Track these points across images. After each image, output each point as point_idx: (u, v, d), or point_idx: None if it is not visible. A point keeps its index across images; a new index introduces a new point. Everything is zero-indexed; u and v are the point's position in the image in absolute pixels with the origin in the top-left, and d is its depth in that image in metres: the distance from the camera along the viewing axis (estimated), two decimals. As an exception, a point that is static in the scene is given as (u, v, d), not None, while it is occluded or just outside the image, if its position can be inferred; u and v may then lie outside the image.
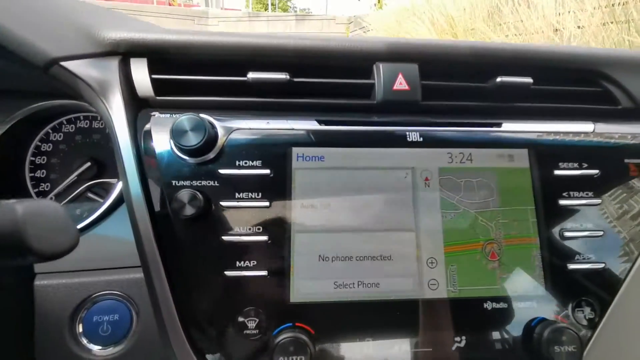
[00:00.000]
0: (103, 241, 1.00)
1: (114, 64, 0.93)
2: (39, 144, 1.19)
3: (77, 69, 0.90)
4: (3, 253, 0.53)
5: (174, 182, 0.88)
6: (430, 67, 1.01)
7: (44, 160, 1.19)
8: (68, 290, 0.95)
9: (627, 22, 5.64)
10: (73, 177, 1.16)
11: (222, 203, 0.88)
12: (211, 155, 0.89)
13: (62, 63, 0.88)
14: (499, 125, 1.00)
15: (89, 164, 1.16)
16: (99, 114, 0.94)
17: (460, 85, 1.03)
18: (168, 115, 0.93)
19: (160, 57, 0.96)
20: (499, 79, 1.00)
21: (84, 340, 0.94)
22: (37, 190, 1.18)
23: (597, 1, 6.10)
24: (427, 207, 0.93)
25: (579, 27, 6.27)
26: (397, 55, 1.00)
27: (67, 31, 0.92)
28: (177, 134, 0.85)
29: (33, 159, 1.18)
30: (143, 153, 0.90)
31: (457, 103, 1.03)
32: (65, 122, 1.19)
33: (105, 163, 1.19)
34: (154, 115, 0.93)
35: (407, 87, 0.98)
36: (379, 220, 0.91)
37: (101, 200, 1.14)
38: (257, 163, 0.90)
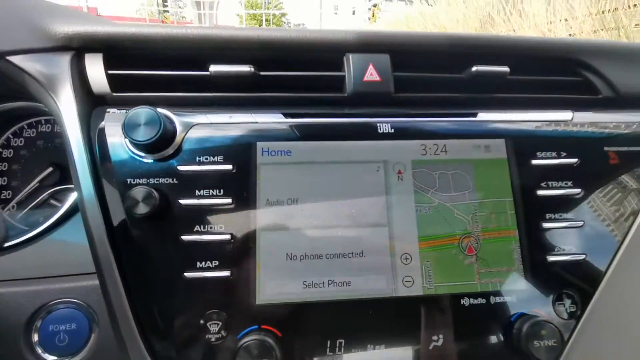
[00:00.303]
0: (60, 247, 0.95)
1: (65, 59, 0.89)
2: None
3: (23, 63, 0.86)
4: None
5: (129, 180, 0.83)
6: (402, 58, 0.98)
7: (5, 166, 1.14)
8: (22, 299, 0.90)
9: (617, 28, 5.69)
10: (34, 183, 1.11)
11: (182, 201, 0.83)
12: (169, 151, 0.85)
13: (8, 57, 0.84)
14: (474, 115, 0.96)
15: (50, 169, 1.11)
16: (50, 111, 0.90)
17: (434, 77, 0.99)
18: (124, 111, 0.89)
19: (117, 52, 0.92)
20: (474, 69, 0.97)
21: (39, 350, 0.89)
22: (-3, 198, 1.13)
23: (587, 9, 6.15)
24: (401, 201, 0.89)
25: (570, 34, 6.33)
26: (368, 45, 0.97)
27: (16, 25, 0.88)
28: (129, 128, 0.80)
29: None
30: (96, 151, 0.86)
31: (432, 95, 0.99)
32: (26, 127, 1.15)
33: (68, 168, 1.14)
34: (109, 111, 0.88)
35: (378, 78, 0.95)
36: (349, 216, 0.87)
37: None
38: (219, 159, 0.86)
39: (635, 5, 5.48)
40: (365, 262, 0.85)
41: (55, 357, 0.89)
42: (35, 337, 0.89)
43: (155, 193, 0.80)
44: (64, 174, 1.13)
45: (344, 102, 0.96)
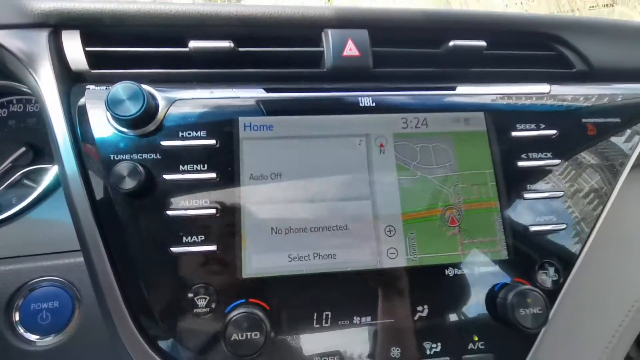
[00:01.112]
0: (38, 226, 0.94)
1: (43, 35, 0.88)
2: None
3: (2, 39, 0.84)
4: None
5: (112, 156, 0.82)
6: (381, 33, 0.98)
7: None
8: (1, 278, 0.88)
9: (572, 11, 5.75)
10: (7, 163, 1.09)
11: (166, 176, 0.83)
12: (152, 127, 0.84)
13: None
14: (454, 89, 0.97)
15: (23, 149, 1.09)
16: (30, 89, 0.88)
17: (412, 52, 1.00)
18: (104, 87, 0.87)
19: (94, 28, 0.90)
20: (451, 43, 0.98)
21: (21, 330, 0.87)
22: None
23: (543, -9, 6.20)
24: (383, 174, 0.89)
25: (526, 17, 6.35)
26: (346, 21, 0.97)
27: None
28: (113, 103, 0.79)
29: None
30: (77, 128, 0.84)
31: (410, 70, 1.00)
32: None
33: (42, 148, 1.12)
34: (89, 88, 0.87)
35: (357, 53, 0.95)
36: (333, 189, 0.87)
37: (35, 186, 1.08)
38: (202, 134, 0.85)
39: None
40: (349, 234, 0.86)
41: (38, 336, 0.88)
42: (17, 317, 0.88)
43: (141, 168, 0.79)
44: (37, 154, 1.11)
45: (323, 77, 0.96)
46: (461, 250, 0.88)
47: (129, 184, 0.78)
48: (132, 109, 0.79)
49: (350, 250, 0.85)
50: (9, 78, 0.96)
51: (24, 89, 1.05)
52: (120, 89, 0.80)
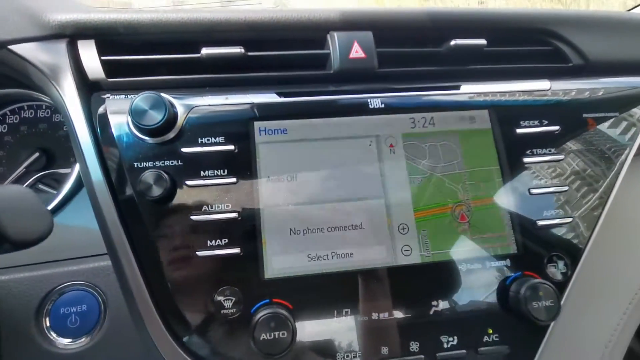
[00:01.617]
0: (62, 231, 0.96)
1: (62, 47, 0.90)
2: None
3: (27, 53, 0.86)
4: None
5: (136, 164, 0.85)
6: (384, 34, 1.01)
7: None
8: (31, 284, 0.91)
9: (559, 2, 5.79)
10: (21, 169, 1.11)
11: (188, 182, 0.85)
12: (172, 134, 0.86)
13: (11, 47, 0.84)
14: (458, 87, 1.00)
15: (37, 154, 1.11)
16: (51, 99, 0.90)
17: (415, 51, 1.03)
18: (123, 96, 0.89)
19: (109, 38, 0.92)
20: (453, 42, 1.01)
21: (53, 334, 0.90)
22: (-17, 185, 1.12)
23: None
24: (394, 173, 0.92)
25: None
26: (351, 23, 0.99)
27: (10, 14, 0.88)
28: (136, 113, 0.82)
29: None
30: (100, 137, 0.87)
31: (414, 69, 1.02)
32: (8, 113, 1.14)
33: (54, 153, 1.14)
34: (108, 97, 0.89)
35: (363, 55, 0.98)
36: (347, 190, 0.90)
37: (53, 192, 1.11)
38: (220, 139, 0.88)
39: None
40: (365, 233, 0.89)
41: (69, 339, 0.90)
42: (47, 322, 0.90)
43: (166, 175, 0.82)
44: (50, 158, 1.13)
45: (330, 78, 0.99)
46: (472, 245, 0.91)
47: (156, 191, 0.81)
48: (155, 118, 0.82)
49: (367, 248, 0.88)
50: (29, 88, 0.98)
51: (36, 95, 1.07)
52: (143, 99, 0.83)
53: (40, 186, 1.12)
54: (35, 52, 0.87)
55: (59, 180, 1.12)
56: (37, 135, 1.15)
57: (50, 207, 0.99)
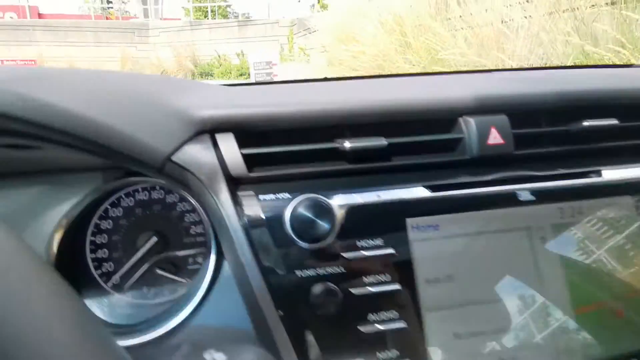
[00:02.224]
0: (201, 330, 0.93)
1: (208, 146, 0.86)
2: (98, 221, 1.10)
3: (185, 161, 0.83)
4: None
5: (297, 272, 0.81)
6: (517, 116, 0.98)
7: (105, 239, 1.10)
8: None
9: (573, 9, 5.81)
10: (140, 254, 1.08)
11: (352, 290, 0.82)
12: (330, 239, 0.83)
13: (173, 158, 0.81)
14: (599, 173, 0.97)
15: (155, 239, 1.08)
16: (204, 205, 0.87)
17: (548, 131, 1.00)
18: (273, 196, 0.86)
19: (246, 131, 0.90)
20: (585, 123, 0.98)
21: None
22: (100, 272, 1.09)
23: (541, -9, 6.28)
24: (549, 268, 0.89)
25: (524, 17, 6.44)
26: (485, 107, 0.97)
27: (160, 117, 0.85)
28: (299, 221, 0.80)
29: (93, 238, 1.09)
30: (256, 241, 0.83)
31: (548, 150, 0.99)
32: (123, 196, 1.11)
33: (168, 235, 1.11)
34: (260, 198, 0.86)
35: (502, 141, 0.95)
36: (506, 289, 0.88)
37: (172, 276, 1.09)
38: (379, 242, 0.85)
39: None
40: (527, 334, 0.86)
41: None
42: None
43: (334, 287, 0.79)
44: (165, 241, 1.10)
45: (466, 164, 0.96)
46: (634, 340, 0.88)
47: (331, 308, 0.78)
48: (322, 228, 0.79)
49: (531, 352, 0.85)
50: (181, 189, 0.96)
51: (152, 177, 1.04)
52: (305, 207, 0.80)
53: (158, 271, 1.09)
54: (189, 158, 0.84)
55: (176, 265, 1.10)
56: (151, 217, 1.11)
57: (193, 307, 0.95)
